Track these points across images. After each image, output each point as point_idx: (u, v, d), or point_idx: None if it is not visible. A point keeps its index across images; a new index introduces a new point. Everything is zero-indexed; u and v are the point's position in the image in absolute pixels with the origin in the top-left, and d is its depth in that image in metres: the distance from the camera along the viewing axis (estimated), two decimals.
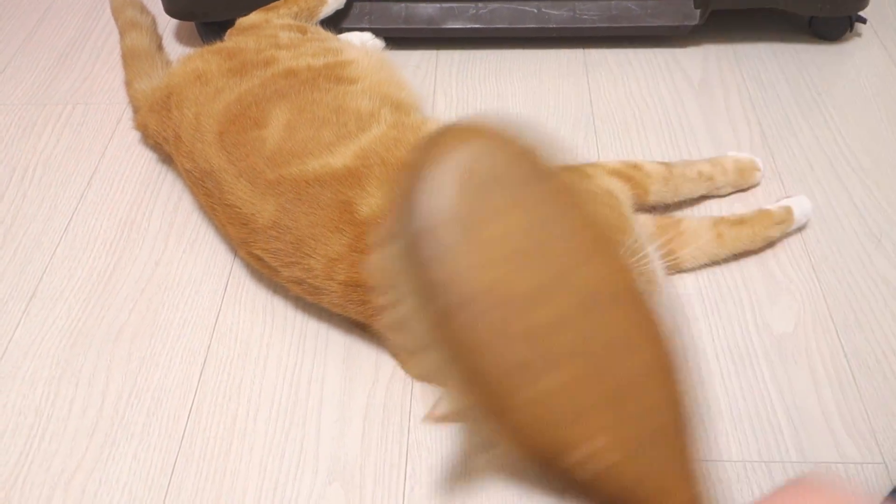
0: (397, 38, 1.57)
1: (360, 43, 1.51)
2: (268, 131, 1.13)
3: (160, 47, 1.54)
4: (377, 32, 1.54)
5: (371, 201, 1.01)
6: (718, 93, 1.49)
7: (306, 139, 1.10)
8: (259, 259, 1.12)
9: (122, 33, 1.60)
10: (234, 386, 1.08)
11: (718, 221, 1.17)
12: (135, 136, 1.44)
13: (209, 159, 1.15)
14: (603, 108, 1.47)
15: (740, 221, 1.18)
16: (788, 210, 1.20)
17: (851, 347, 1.09)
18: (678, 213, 1.25)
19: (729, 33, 1.61)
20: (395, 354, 1.08)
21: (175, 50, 1.63)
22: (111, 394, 1.07)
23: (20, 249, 1.26)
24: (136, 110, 1.43)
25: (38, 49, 1.66)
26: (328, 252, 1.03)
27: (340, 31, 1.52)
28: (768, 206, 1.21)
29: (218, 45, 1.34)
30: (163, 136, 1.29)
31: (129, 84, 1.48)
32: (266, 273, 1.15)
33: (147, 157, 1.41)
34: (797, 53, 1.57)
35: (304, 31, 1.38)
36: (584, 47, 1.60)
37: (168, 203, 1.33)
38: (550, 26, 1.54)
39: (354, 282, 1.02)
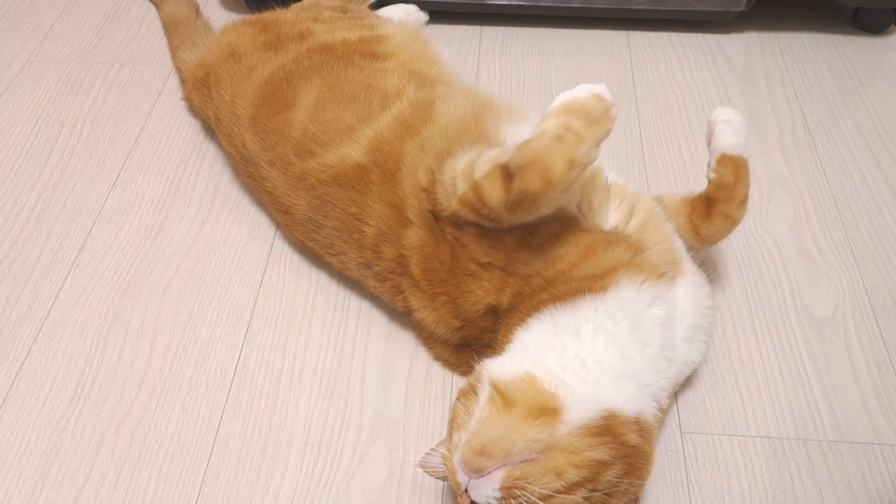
0: (442, 13, 1.58)
1: (405, 14, 1.52)
2: (295, 113, 1.12)
3: (198, 12, 1.55)
4: (422, 6, 1.56)
5: (371, 220, 1.02)
6: (761, 80, 1.50)
7: (330, 120, 1.10)
8: (303, 242, 1.15)
9: (158, 5, 1.61)
10: (280, 344, 1.10)
11: (692, 213, 1.06)
12: (181, 98, 1.45)
13: (246, 145, 1.17)
14: (645, 90, 1.47)
15: (708, 214, 1.05)
16: (735, 160, 1.03)
17: (890, 332, 1.10)
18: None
19: (773, 22, 1.61)
20: (422, 342, 1.10)
21: (221, 17, 1.64)
22: (159, 345, 1.10)
23: (69, 202, 1.28)
24: (182, 81, 1.44)
25: (85, 9, 1.68)
26: (354, 257, 1.06)
27: (387, 2, 1.53)
28: (711, 172, 1.04)
29: (255, 16, 1.33)
30: (205, 114, 1.31)
31: (174, 53, 1.49)
32: (312, 253, 1.17)
33: (193, 120, 1.42)
34: (840, 44, 1.57)
35: (344, 12, 1.39)
36: (627, 29, 1.60)
37: (214, 164, 1.34)
38: (596, 6, 1.54)
39: (378, 291, 1.07)
